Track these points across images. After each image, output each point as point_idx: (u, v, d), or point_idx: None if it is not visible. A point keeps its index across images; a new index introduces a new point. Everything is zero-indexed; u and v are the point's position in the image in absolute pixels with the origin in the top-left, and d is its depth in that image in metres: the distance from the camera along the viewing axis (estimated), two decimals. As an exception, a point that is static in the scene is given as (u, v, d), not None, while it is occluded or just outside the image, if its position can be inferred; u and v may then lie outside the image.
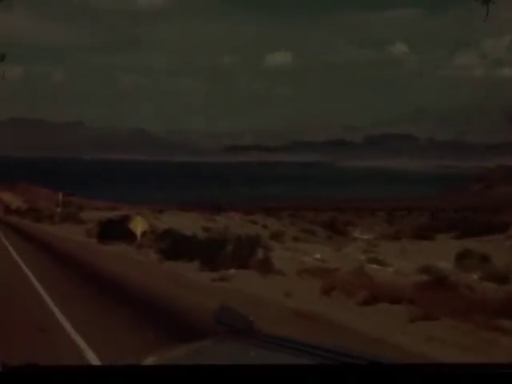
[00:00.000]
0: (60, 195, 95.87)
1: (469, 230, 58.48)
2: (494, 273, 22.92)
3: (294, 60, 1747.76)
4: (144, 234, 34.30)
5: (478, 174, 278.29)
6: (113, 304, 16.11)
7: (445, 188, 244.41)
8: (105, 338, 11.09)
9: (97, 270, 25.18)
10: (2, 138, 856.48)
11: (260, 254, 21.64)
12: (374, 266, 24.53)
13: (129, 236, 34.51)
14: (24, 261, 28.50)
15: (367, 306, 13.43)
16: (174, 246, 26.77)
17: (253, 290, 16.59)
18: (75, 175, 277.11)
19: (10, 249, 36.60)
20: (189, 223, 50.95)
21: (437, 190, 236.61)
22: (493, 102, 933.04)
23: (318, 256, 28.34)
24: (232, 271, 20.36)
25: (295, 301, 14.71)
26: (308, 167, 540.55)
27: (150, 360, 2.83)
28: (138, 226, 33.76)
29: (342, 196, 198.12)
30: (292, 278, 18.82)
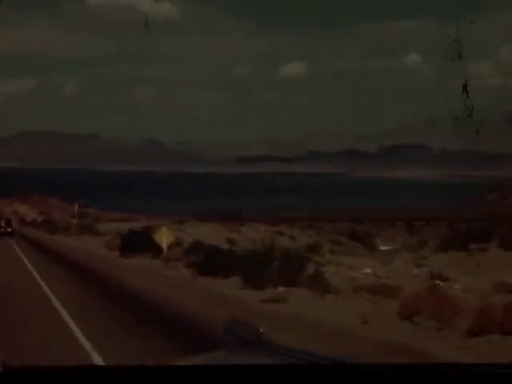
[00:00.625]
0: (76, 207, 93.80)
1: (504, 241, 55.63)
2: None
3: (307, 70, 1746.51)
4: (170, 246, 31.80)
5: (493, 184, 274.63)
6: (136, 323, 13.80)
7: (460, 198, 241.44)
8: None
9: (120, 284, 22.82)
10: (16, 150, 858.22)
11: (310, 268, 19.09)
12: (439, 282, 21.82)
13: (153, 248, 32.02)
14: (39, 273, 26.23)
15: (474, 337, 10.77)
16: (208, 260, 24.23)
17: (316, 313, 13.99)
18: (89, 187, 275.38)
19: (25, 260, 34.40)
20: (212, 234, 48.48)
21: (451, 200, 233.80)
22: (505, 110, 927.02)
23: (369, 271, 25.72)
24: (281, 289, 17.78)
25: (374, 329, 12.09)
26: (322, 177, 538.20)
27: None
28: (164, 237, 31.23)
29: (358, 206, 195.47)
30: (354, 298, 16.22)
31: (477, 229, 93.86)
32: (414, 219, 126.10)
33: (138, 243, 33.85)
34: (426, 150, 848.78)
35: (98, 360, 10.58)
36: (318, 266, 20.48)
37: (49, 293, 19.96)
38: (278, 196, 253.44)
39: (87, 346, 11.67)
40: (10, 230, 71.85)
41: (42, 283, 22.87)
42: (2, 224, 73.25)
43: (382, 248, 60.96)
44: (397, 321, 12.88)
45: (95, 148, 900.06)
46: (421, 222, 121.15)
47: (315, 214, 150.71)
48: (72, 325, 13.90)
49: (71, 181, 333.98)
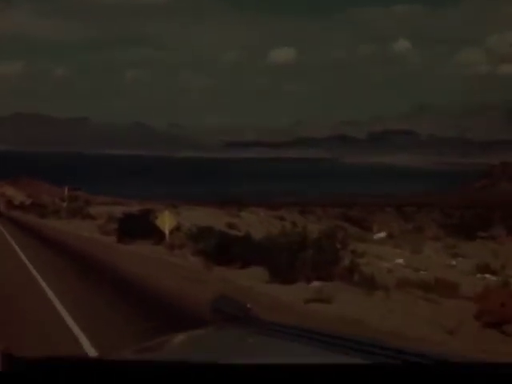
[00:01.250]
0: (66, 190, 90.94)
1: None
2: None
3: (297, 56, 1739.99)
4: (171, 231, 29.22)
5: (481, 171, 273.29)
6: (145, 318, 11.37)
7: (448, 184, 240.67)
8: None
9: (119, 273, 20.21)
10: (4, 133, 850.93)
11: (346, 259, 16.49)
12: (489, 276, 19.25)
13: (154, 234, 29.43)
14: (30, 259, 23.69)
15: None
16: (220, 247, 21.56)
17: (373, 318, 11.37)
18: (77, 170, 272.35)
19: (16, 248, 31.83)
20: (210, 219, 45.74)
21: (439, 187, 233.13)
22: (495, 98, 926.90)
23: (401, 261, 23.09)
24: (316, 284, 15.16)
25: (464, 342, 9.50)
26: (311, 163, 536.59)
27: (147, 346, 2.90)
28: (167, 222, 28.65)
29: (347, 192, 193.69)
30: (408, 297, 13.62)
31: (473, 216, 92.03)
32: (404, 205, 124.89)
33: (136, 228, 31.14)
34: (414, 136, 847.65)
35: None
36: (354, 257, 17.82)
37: (44, 285, 17.39)
38: (267, 181, 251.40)
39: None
40: None
41: (35, 272, 20.41)
42: None
43: (378, 236, 57.96)
44: (481, 329, 10.31)
45: (85, 131, 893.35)
46: (411, 208, 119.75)
47: (305, 199, 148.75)
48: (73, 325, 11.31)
49: (60, 164, 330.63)
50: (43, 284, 17.30)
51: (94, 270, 21.66)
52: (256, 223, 49.05)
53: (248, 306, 3.07)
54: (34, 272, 20.34)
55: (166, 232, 28.55)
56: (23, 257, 25.19)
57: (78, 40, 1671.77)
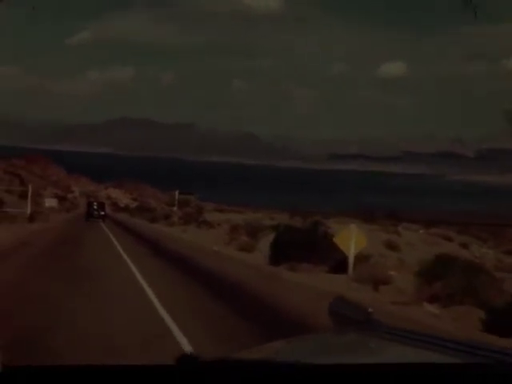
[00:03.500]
0: (176, 193, 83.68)
1: None
2: None
3: (407, 70, 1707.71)
4: (360, 257, 19.85)
5: None
6: None
7: None
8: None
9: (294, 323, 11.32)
10: (111, 136, 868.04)
11: None
12: None
13: (324, 256, 20.17)
14: (158, 296, 14.97)
15: None
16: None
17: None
18: (181, 176, 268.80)
19: (125, 256, 23.51)
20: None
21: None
22: None
23: None
24: None
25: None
26: (418, 179, 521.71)
27: (260, 352, 2.79)
28: (353, 241, 19.32)
29: (462, 210, 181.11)
30: None
31: None
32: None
33: (299, 246, 21.75)
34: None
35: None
36: None
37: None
38: (371, 195, 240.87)
39: None
40: (102, 213, 71.76)
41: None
42: (95, 207, 73.23)
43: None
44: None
45: (189, 138, 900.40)
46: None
47: (410, 215, 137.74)
48: None
49: (163, 169, 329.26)
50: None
51: (258, 317, 12.68)
52: (418, 243, 39.25)
53: (370, 309, 2.84)
54: (170, 322, 11.52)
55: (351, 256, 19.25)
56: (149, 291, 16.14)
57: (188, 47, 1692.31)
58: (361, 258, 20.43)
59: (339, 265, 19.60)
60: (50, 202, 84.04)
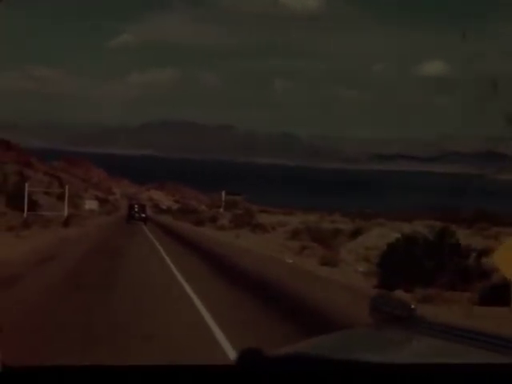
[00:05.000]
0: (223, 194, 78.81)
1: None
2: None
3: (448, 69, 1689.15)
4: None
5: None
6: None
7: None
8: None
9: None
10: (152, 138, 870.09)
11: None
12: None
13: (467, 280, 14.78)
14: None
15: None
16: None
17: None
18: (220, 177, 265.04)
19: (179, 277, 18.46)
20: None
21: None
22: None
23: None
24: None
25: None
26: (460, 178, 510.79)
27: (296, 347, 2.71)
28: None
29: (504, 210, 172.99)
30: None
31: None
32: None
33: (421, 264, 16.12)
34: None
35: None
36: None
37: None
38: (414, 195, 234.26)
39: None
40: (143, 215, 69.51)
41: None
42: (137, 210, 70.78)
43: None
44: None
45: (229, 139, 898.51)
46: None
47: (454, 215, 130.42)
48: None
49: (205, 171, 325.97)
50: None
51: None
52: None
53: (412, 305, 2.81)
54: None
55: None
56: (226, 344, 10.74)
57: (229, 48, 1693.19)
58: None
59: (493, 293, 14.27)
60: (91, 205, 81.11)
